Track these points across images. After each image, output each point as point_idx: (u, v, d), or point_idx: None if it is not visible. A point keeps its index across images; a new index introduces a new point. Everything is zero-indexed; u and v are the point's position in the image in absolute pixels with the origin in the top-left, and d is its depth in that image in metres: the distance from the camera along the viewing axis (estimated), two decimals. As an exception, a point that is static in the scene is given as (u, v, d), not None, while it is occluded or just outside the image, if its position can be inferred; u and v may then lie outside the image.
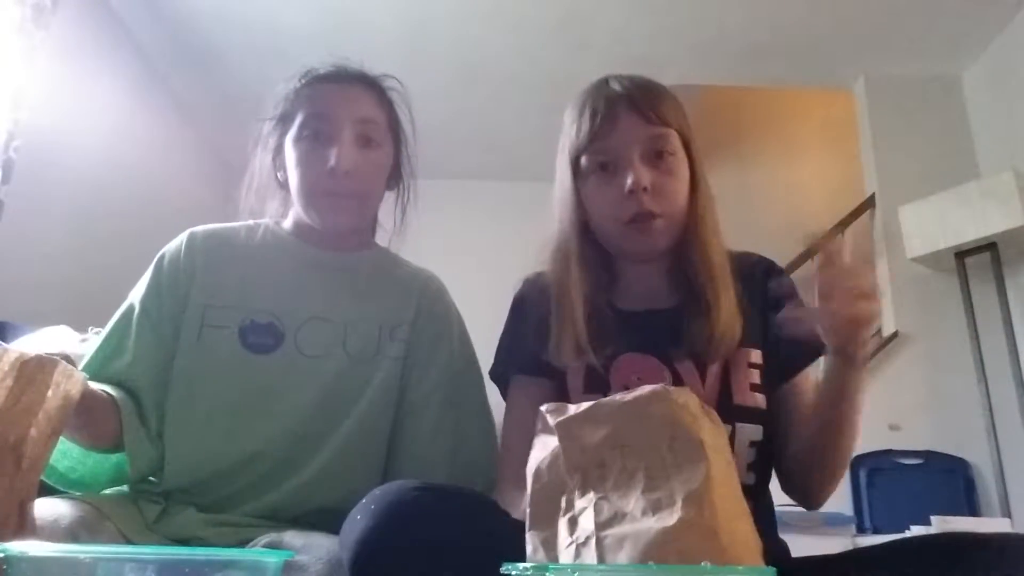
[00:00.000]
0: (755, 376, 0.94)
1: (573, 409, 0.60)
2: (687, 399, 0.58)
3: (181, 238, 1.08)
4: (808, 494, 0.95)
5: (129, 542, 0.87)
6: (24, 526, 0.64)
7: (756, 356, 0.96)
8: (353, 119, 1.02)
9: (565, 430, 0.58)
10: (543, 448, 0.59)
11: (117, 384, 0.97)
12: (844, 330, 0.79)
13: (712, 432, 0.58)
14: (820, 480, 0.93)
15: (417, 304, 1.08)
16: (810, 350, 0.98)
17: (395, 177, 1.13)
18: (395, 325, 1.05)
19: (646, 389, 0.59)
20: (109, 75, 3.18)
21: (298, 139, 1.03)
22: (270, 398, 0.97)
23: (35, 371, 0.66)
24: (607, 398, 0.60)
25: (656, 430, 0.55)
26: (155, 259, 1.06)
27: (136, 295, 1.04)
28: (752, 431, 0.91)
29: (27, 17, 2.34)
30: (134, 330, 1.01)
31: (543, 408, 0.62)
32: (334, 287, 1.06)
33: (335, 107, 1.03)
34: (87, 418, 0.86)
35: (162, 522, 0.92)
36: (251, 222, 1.11)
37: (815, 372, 1.00)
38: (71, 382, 0.70)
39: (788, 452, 0.95)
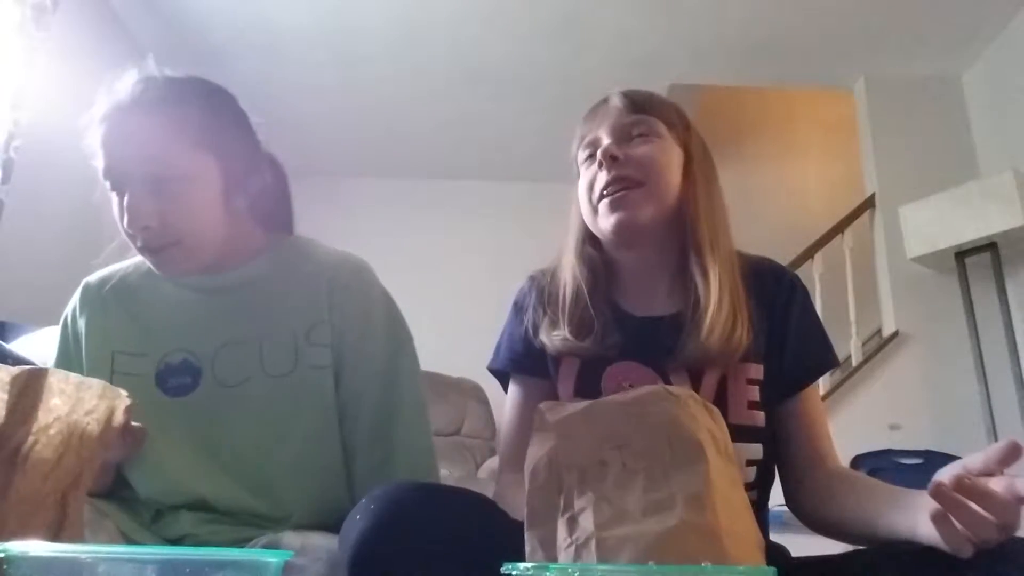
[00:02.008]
0: (754, 393, 0.90)
1: (571, 407, 0.59)
2: (687, 398, 0.58)
3: (77, 292, 1.03)
4: (812, 527, 0.91)
5: (129, 541, 0.88)
6: (63, 526, 0.66)
7: (756, 371, 0.92)
8: (136, 163, 0.88)
9: (563, 428, 0.57)
10: (540, 446, 0.58)
11: None
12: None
13: (713, 429, 0.58)
14: (830, 535, 0.88)
15: (329, 297, 0.97)
16: (815, 365, 0.96)
17: (239, 181, 0.96)
18: (310, 327, 0.95)
19: (645, 389, 0.58)
20: (109, 75, 3.18)
21: (111, 194, 0.92)
22: (204, 440, 0.92)
23: (27, 381, 0.68)
24: (606, 397, 0.59)
25: (655, 430, 0.55)
26: (61, 319, 1.02)
27: (52, 357, 1.01)
28: (750, 450, 0.89)
29: (27, 18, 2.34)
30: None
31: (541, 406, 0.61)
32: (240, 305, 0.97)
33: (115, 156, 0.90)
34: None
35: (160, 524, 0.92)
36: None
37: (815, 392, 0.98)
38: (83, 388, 0.72)
39: (806, 499, 0.91)
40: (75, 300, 1.02)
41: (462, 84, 3.77)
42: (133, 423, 0.80)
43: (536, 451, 0.58)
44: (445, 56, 3.56)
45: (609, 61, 3.46)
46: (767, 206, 4.46)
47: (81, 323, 1.00)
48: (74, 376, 0.72)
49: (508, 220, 4.43)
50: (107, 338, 0.97)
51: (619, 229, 0.92)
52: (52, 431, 0.68)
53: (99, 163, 0.91)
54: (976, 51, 3.50)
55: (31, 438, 0.67)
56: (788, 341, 0.95)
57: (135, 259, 1.02)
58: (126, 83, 0.94)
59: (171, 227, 0.89)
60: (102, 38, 3.13)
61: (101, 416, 0.72)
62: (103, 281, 1.03)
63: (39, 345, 1.69)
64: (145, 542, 0.88)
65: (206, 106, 0.95)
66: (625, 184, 0.91)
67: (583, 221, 0.99)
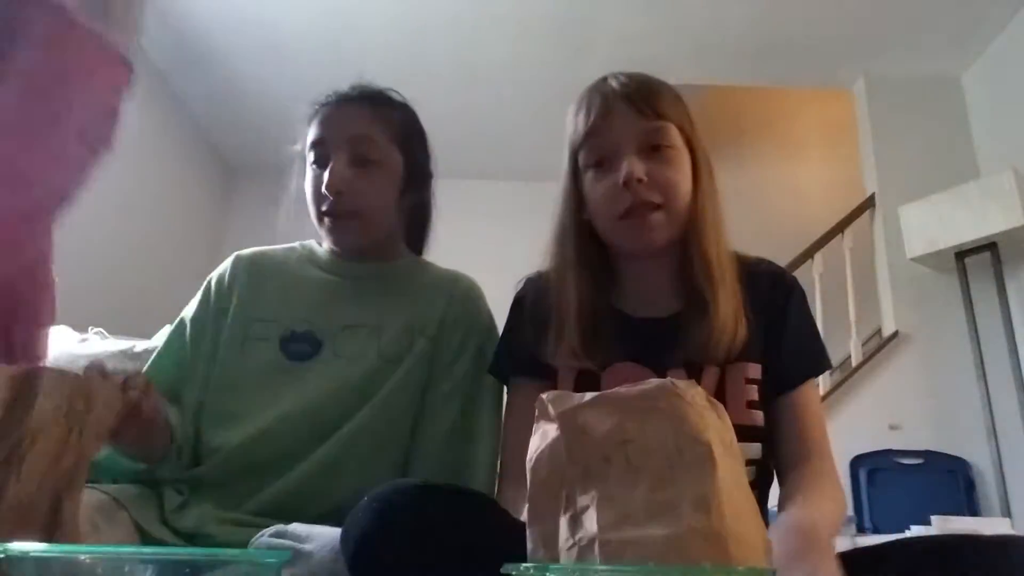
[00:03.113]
0: (753, 392, 0.91)
1: (577, 398, 0.57)
2: (694, 394, 0.56)
3: (228, 260, 1.17)
4: None
5: (142, 533, 0.89)
6: (58, 527, 0.66)
7: (755, 371, 0.92)
8: (345, 139, 1.07)
9: (567, 420, 0.56)
10: (543, 438, 0.57)
11: (166, 394, 1.02)
12: None
13: (718, 427, 0.56)
14: None
15: (446, 303, 1.10)
16: (807, 367, 0.96)
17: (412, 187, 1.15)
18: (425, 325, 1.08)
19: (653, 383, 0.56)
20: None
21: (309, 167, 1.10)
22: (308, 404, 1.02)
23: (24, 380, 0.68)
24: (612, 390, 0.57)
25: (662, 427, 0.53)
26: (205, 281, 1.16)
27: (187, 312, 1.13)
28: (749, 449, 0.89)
29: (27, 17, 2.33)
30: (187, 344, 1.09)
31: (543, 396, 0.60)
32: (368, 296, 1.11)
33: (328, 131, 1.08)
34: (143, 432, 0.89)
35: (179, 513, 0.94)
36: (294, 244, 1.19)
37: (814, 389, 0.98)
38: (86, 384, 0.72)
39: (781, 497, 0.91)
40: (226, 268, 1.16)
41: (463, 84, 3.77)
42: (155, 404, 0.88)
43: (538, 443, 0.57)
44: (446, 56, 3.56)
45: (609, 61, 3.44)
46: (767, 206, 4.46)
47: (232, 289, 1.13)
48: (70, 374, 0.71)
49: (508, 220, 4.42)
50: (249, 306, 1.10)
51: (640, 250, 0.95)
52: (48, 431, 0.67)
53: (308, 138, 1.09)
54: (976, 51, 3.50)
55: (27, 439, 0.66)
56: (784, 342, 0.95)
57: (285, 245, 1.20)
58: (362, 79, 1.17)
59: (358, 198, 1.06)
60: (102, 38, 3.13)
61: (99, 414, 0.71)
62: (253, 256, 1.17)
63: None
64: (158, 534, 0.90)
65: (408, 117, 1.18)
66: (648, 207, 0.91)
67: (580, 221, 0.97)
